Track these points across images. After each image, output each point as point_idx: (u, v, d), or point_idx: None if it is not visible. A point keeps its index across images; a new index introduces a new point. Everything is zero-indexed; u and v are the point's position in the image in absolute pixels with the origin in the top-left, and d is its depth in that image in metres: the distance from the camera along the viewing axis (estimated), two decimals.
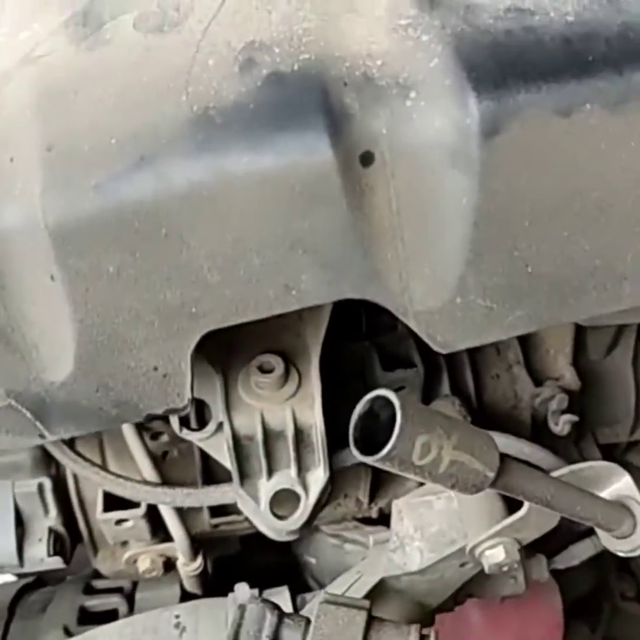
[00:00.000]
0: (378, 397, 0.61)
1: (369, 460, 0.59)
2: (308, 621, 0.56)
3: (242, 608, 0.57)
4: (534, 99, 0.58)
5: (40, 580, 1.17)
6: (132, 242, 0.60)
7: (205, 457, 0.95)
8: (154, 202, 0.59)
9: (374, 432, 0.61)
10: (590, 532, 1.00)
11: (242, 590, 0.84)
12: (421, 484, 0.94)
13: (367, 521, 1.02)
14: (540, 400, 0.94)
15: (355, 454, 0.60)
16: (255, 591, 0.86)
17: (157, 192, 0.59)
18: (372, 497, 1.00)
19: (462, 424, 0.63)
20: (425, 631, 0.57)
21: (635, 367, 1.03)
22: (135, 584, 1.06)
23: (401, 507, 0.89)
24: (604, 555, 1.27)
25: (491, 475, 0.62)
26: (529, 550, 0.94)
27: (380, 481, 1.00)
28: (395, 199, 0.60)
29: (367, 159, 0.59)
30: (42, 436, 0.70)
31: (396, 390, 0.60)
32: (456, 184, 0.59)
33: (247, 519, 0.99)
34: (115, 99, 0.61)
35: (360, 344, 0.95)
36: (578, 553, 0.99)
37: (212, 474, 0.95)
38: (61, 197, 0.60)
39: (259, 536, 1.06)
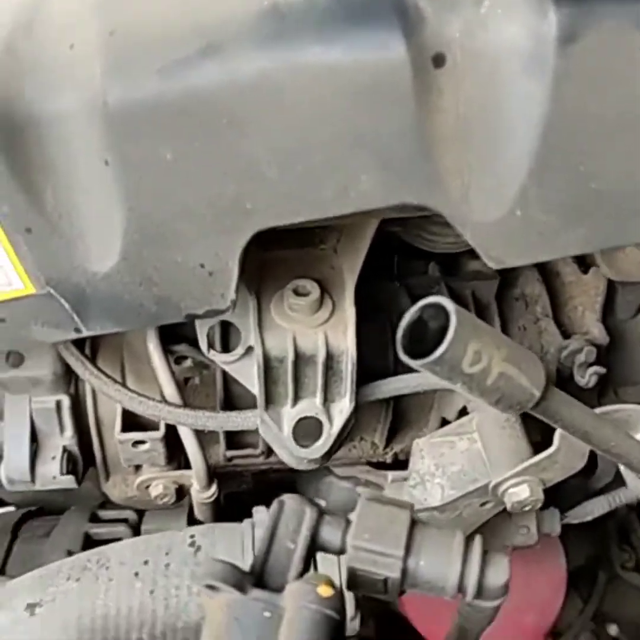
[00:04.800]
0: (429, 306, 0.60)
1: (418, 363, 0.58)
2: (348, 521, 0.56)
3: (280, 503, 0.56)
4: (614, 11, 0.57)
5: (43, 510, 1.16)
6: (192, 129, 0.59)
7: (226, 385, 0.95)
8: (217, 89, 0.58)
9: (422, 342, 0.60)
10: (604, 491, 1.01)
11: (261, 514, 0.83)
12: (441, 427, 0.94)
13: (381, 466, 1.02)
14: (567, 352, 0.94)
15: (404, 359, 0.59)
16: None
17: (222, 80, 0.58)
18: (388, 442, 0.99)
19: (511, 341, 0.62)
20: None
21: None
22: (141, 516, 1.05)
23: (422, 446, 0.88)
24: (607, 527, 1.29)
25: (537, 394, 0.61)
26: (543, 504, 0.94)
27: (397, 426, 1.00)
28: (463, 104, 0.59)
29: (439, 60, 0.58)
30: (77, 330, 0.69)
31: None
32: (527, 92, 0.59)
33: (261, 454, 0.99)
34: None
35: (391, 285, 0.95)
36: (592, 509, 0.98)
37: (232, 403, 0.94)
38: (123, 79, 0.59)
39: (269, 476, 1.07)
